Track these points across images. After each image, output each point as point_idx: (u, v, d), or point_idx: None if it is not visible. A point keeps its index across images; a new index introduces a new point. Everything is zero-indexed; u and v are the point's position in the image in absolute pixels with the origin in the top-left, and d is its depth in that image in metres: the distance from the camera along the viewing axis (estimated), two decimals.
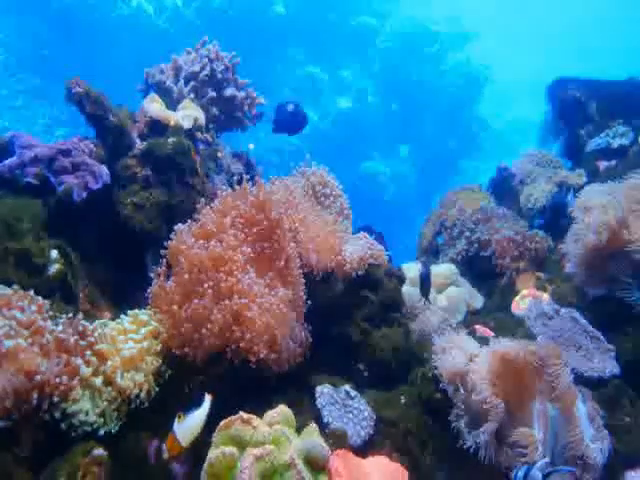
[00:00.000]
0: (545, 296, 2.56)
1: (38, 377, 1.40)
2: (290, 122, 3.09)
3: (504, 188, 3.67)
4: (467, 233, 3.20)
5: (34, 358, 1.41)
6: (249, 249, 1.89)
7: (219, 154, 2.90)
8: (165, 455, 1.46)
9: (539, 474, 1.48)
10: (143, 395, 1.65)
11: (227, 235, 1.88)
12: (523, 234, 2.98)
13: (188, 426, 1.45)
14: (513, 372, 1.74)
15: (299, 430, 1.54)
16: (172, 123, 2.51)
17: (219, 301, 1.75)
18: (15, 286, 1.59)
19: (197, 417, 1.47)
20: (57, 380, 1.43)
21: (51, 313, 1.61)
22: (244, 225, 1.97)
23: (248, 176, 2.16)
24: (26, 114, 9.37)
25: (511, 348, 1.76)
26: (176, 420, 1.45)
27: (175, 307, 1.77)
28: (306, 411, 1.82)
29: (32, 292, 1.62)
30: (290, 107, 2.92)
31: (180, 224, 1.97)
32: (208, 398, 1.52)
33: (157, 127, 2.51)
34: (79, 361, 1.52)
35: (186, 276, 1.79)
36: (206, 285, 1.76)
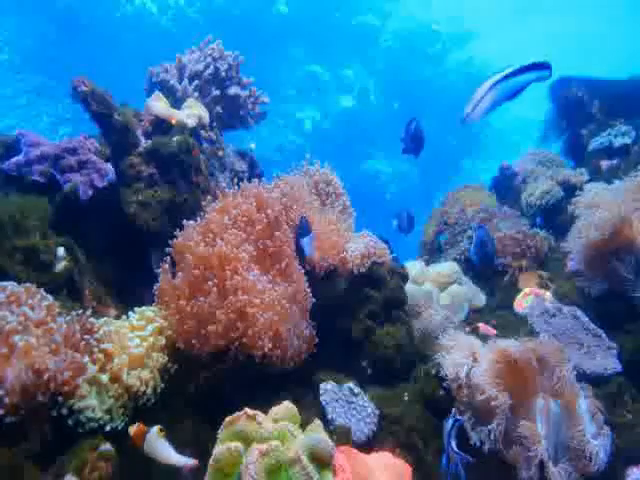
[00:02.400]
0: (547, 294, 2.57)
1: (46, 375, 1.41)
2: (413, 142, 2.86)
3: (506, 187, 3.69)
4: (469, 232, 3.21)
5: (43, 356, 1.42)
6: (252, 247, 1.91)
7: (221, 152, 2.91)
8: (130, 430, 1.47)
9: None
10: (149, 392, 1.66)
11: (229, 234, 1.90)
12: (524, 232, 2.99)
13: (157, 447, 1.44)
14: (515, 370, 1.75)
15: (303, 426, 1.55)
16: (176, 122, 2.52)
17: (224, 299, 1.76)
18: (28, 284, 1.60)
19: (169, 455, 1.44)
20: (64, 377, 1.45)
21: (58, 310, 1.62)
22: (246, 224, 1.98)
23: (250, 175, 2.17)
24: (31, 112, 9.40)
25: (513, 346, 1.77)
26: (156, 429, 1.44)
27: (182, 303, 1.79)
28: (310, 408, 1.84)
29: (41, 290, 1.63)
30: (412, 125, 2.77)
31: (188, 220, 1.98)
32: (192, 461, 1.46)
33: (162, 126, 2.52)
34: (86, 359, 1.53)
35: (193, 272, 1.80)
36: (211, 283, 1.77)
